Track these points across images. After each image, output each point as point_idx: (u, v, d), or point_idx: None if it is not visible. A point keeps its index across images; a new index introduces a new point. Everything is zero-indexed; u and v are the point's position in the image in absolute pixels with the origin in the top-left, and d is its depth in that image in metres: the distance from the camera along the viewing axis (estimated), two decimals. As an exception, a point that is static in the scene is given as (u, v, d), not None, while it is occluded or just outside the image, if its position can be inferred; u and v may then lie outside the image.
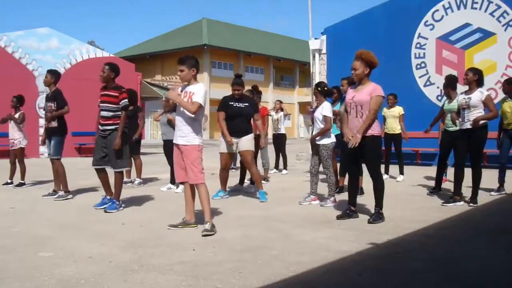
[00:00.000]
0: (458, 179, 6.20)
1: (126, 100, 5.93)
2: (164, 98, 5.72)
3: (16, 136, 8.37)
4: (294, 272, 3.35)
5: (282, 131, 10.84)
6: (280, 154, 10.86)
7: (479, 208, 5.92)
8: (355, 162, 5.27)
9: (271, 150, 10.84)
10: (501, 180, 7.09)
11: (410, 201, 6.54)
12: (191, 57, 4.83)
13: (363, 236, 4.40)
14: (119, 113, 5.90)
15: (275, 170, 10.78)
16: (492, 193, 6.99)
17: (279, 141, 10.83)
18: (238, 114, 6.79)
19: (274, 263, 3.57)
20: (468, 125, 6.06)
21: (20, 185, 8.24)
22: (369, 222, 5.00)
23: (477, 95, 6.05)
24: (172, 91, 4.83)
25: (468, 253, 3.88)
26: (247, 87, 8.12)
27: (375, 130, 5.09)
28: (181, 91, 4.84)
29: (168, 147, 7.59)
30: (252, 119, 7.04)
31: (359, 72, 5.11)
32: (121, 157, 5.89)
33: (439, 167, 7.27)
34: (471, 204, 6.00)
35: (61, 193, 6.86)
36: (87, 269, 3.44)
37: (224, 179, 6.98)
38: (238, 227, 4.87)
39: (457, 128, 6.60)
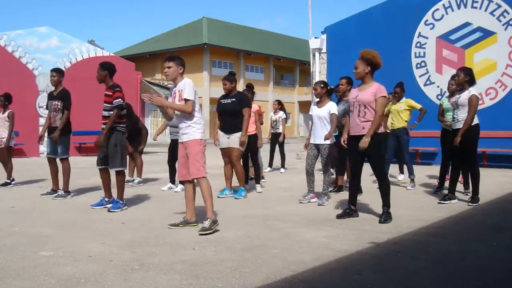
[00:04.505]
0: (453, 178, 6.30)
1: (120, 99, 5.87)
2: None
3: (4, 135, 8.33)
4: (294, 271, 3.36)
5: (280, 130, 10.87)
6: (279, 153, 10.92)
7: (479, 208, 5.92)
8: (360, 161, 5.28)
9: (266, 148, 10.90)
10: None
11: (410, 201, 6.54)
12: (179, 57, 4.87)
13: (363, 236, 4.41)
14: (120, 112, 5.90)
15: (269, 168, 10.81)
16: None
17: (277, 140, 10.88)
18: (223, 111, 6.90)
19: (275, 262, 3.57)
20: (458, 125, 6.05)
21: (5, 184, 8.18)
22: (380, 222, 4.99)
23: (465, 94, 6.02)
24: (158, 97, 4.84)
25: (468, 253, 3.88)
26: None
27: (378, 127, 5.10)
28: (171, 92, 4.88)
29: (175, 146, 7.56)
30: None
31: (359, 71, 5.13)
32: (116, 157, 5.84)
33: (442, 166, 7.28)
34: (470, 204, 6.01)
35: (60, 192, 6.87)
36: (87, 268, 3.44)
37: (228, 176, 7.02)
38: (238, 226, 4.87)
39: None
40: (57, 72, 6.99)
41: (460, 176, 6.67)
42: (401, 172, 8.91)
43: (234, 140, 6.76)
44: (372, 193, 6.91)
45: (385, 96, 5.07)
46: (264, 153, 9.48)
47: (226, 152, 6.90)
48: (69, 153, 6.97)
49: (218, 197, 6.79)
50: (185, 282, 3.14)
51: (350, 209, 5.34)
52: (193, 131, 4.75)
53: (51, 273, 3.33)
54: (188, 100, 4.66)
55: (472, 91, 6.00)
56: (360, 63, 5.12)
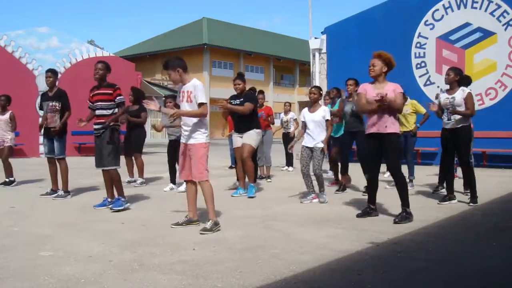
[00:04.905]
0: (449, 178, 6.33)
1: (122, 96, 5.91)
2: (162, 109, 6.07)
3: (7, 136, 8.34)
4: (294, 271, 3.36)
5: (291, 130, 11.17)
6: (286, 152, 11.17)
7: (479, 208, 5.91)
8: (375, 162, 5.31)
9: (278, 148, 10.96)
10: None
11: (411, 201, 6.49)
12: (174, 59, 4.86)
13: (363, 236, 4.40)
14: (114, 110, 5.88)
15: (292, 168, 11.05)
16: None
17: (289, 140, 11.06)
18: (234, 112, 6.97)
19: (274, 262, 3.58)
20: (454, 125, 6.05)
21: (6, 183, 8.20)
22: (395, 222, 4.97)
23: (460, 94, 6.02)
24: (177, 110, 4.83)
25: (468, 253, 3.88)
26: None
27: (395, 128, 5.18)
28: (179, 92, 4.89)
29: (174, 147, 7.57)
30: (260, 116, 7.37)
31: (377, 69, 5.17)
32: (112, 155, 5.82)
33: (442, 166, 7.28)
34: (471, 204, 6.00)
35: (60, 192, 6.86)
36: (87, 268, 3.44)
37: (242, 176, 7.08)
38: (238, 226, 4.87)
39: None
40: (53, 73, 6.98)
41: (455, 172, 6.74)
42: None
43: (247, 137, 6.85)
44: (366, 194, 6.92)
45: (402, 92, 5.22)
46: (276, 152, 9.55)
47: (239, 152, 6.96)
48: (65, 153, 6.94)
49: (232, 196, 6.86)
50: (185, 282, 3.14)
51: (370, 208, 5.37)
52: (199, 134, 4.77)
53: (51, 273, 3.33)
54: (203, 104, 4.71)
55: (465, 89, 6.04)
56: (378, 61, 5.18)
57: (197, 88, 4.74)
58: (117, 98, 5.87)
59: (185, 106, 4.80)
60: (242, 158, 6.90)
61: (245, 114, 6.82)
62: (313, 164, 6.34)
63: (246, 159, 6.85)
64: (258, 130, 6.99)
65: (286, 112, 11.20)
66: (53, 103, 6.84)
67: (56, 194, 6.86)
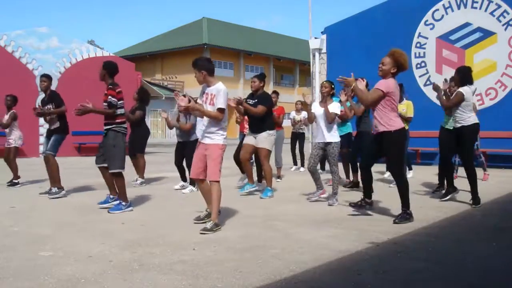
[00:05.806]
0: (450, 173, 6.45)
1: (111, 96, 5.73)
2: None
3: (13, 136, 8.39)
4: (294, 271, 3.36)
5: (303, 130, 11.14)
6: (299, 153, 11.17)
7: (479, 208, 5.91)
8: (373, 156, 5.24)
9: (284, 148, 10.92)
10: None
11: (410, 201, 6.52)
12: (202, 59, 4.92)
13: (363, 236, 4.41)
14: (116, 111, 5.76)
15: (295, 167, 11.01)
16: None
17: (299, 140, 11.10)
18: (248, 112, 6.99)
19: (274, 262, 3.58)
20: (457, 125, 6.03)
21: (13, 184, 8.24)
22: (394, 223, 4.96)
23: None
24: (196, 105, 4.85)
25: (468, 253, 3.88)
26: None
27: (397, 124, 5.02)
28: (203, 93, 4.91)
29: (180, 149, 7.51)
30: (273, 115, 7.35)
31: (386, 68, 5.01)
32: (114, 158, 5.74)
33: (441, 166, 7.29)
34: (473, 206, 5.95)
35: (54, 189, 6.85)
36: (87, 268, 3.44)
37: (249, 172, 7.09)
38: (238, 226, 4.87)
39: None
40: (47, 78, 7.16)
41: (455, 174, 6.79)
42: (410, 168, 8.96)
43: (261, 140, 6.82)
44: (376, 193, 6.91)
45: (378, 88, 4.95)
46: (284, 152, 9.54)
47: (247, 148, 6.95)
48: (56, 152, 6.92)
49: (240, 192, 6.92)
50: (185, 283, 3.14)
51: (364, 201, 5.37)
52: (217, 135, 4.83)
53: (51, 273, 3.33)
54: (221, 108, 4.75)
55: (463, 88, 5.93)
56: (389, 61, 5.00)
57: (219, 93, 4.78)
58: (108, 98, 5.76)
59: (207, 108, 4.83)
60: (260, 161, 7.01)
61: (257, 116, 6.79)
62: (328, 161, 6.38)
63: (265, 162, 6.86)
64: (270, 131, 6.91)
65: (298, 111, 10.97)
66: (48, 106, 7.04)
67: (54, 196, 6.81)
